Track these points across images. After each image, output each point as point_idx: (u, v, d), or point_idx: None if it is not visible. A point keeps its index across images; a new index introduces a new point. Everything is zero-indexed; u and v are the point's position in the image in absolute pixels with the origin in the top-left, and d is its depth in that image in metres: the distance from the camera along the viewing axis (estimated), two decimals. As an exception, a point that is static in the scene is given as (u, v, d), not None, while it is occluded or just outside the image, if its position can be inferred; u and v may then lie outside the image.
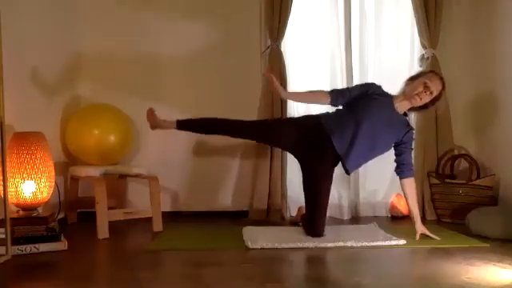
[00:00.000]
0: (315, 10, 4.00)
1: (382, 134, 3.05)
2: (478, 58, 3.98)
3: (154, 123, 3.35)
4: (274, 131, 3.25)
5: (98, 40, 4.00)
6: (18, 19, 3.06)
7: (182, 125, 3.25)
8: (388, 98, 3.12)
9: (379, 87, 3.16)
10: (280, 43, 3.85)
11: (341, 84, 3.90)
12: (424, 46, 3.89)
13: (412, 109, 3.16)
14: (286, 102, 3.85)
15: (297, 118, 3.37)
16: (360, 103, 3.10)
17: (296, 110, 3.97)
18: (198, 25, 4.01)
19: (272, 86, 3.15)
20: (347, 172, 3.13)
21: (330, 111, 3.26)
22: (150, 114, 3.33)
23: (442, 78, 3.13)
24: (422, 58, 3.91)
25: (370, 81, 3.60)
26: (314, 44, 4.00)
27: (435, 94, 3.06)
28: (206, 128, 3.27)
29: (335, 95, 3.16)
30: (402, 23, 4.03)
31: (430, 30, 3.84)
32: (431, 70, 3.36)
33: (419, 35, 3.90)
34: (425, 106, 3.13)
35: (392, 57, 3.99)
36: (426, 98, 3.06)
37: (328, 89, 3.31)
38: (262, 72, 3.70)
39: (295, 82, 3.99)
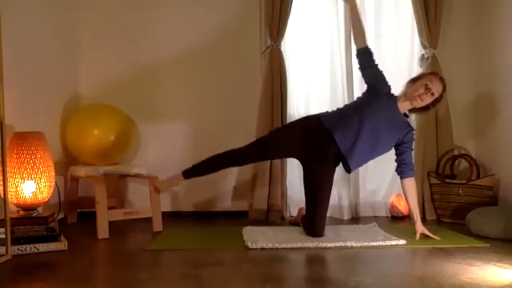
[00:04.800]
0: (315, 10, 4.00)
1: (385, 133, 3.06)
2: (478, 58, 3.98)
3: (164, 189, 3.39)
4: (273, 147, 3.21)
5: (98, 40, 4.00)
6: (18, 19, 3.06)
7: (189, 174, 3.28)
8: (392, 98, 3.13)
9: (391, 88, 3.17)
10: (280, 43, 3.85)
11: (341, 84, 3.91)
12: (424, 46, 3.89)
13: (413, 110, 3.17)
14: (285, 103, 3.85)
15: (295, 123, 3.29)
16: (366, 101, 3.11)
17: (296, 109, 3.98)
18: (198, 24, 4.01)
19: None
20: (349, 170, 3.13)
21: (330, 110, 3.26)
22: (157, 188, 3.37)
23: (442, 80, 3.13)
24: (422, 58, 3.91)
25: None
26: (313, 44, 4.00)
27: (436, 95, 3.07)
28: (211, 167, 3.29)
29: (369, 51, 3.17)
30: (402, 23, 4.03)
31: (430, 30, 3.84)
32: (432, 72, 3.36)
33: (419, 35, 3.90)
34: (426, 108, 3.13)
35: (392, 57, 3.99)
36: (427, 100, 3.07)
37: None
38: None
39: (295, 82, 4.00)
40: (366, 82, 3.20)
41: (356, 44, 3.26)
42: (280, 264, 2.60)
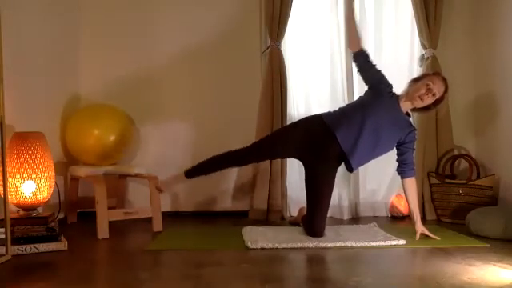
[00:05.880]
0: (315, 10, 4.00)
1: (387, 132, 3.05)
2: (477, 58, 3.98)
3: (167, 188, 3.31)
4: (276, 147, 3.20)
5: (98, 40, 4.00)
6: (18, 19, 3.06)
7: (190, 174, 3.23)
8: (394, 97, 3.13)
9: (392, 87, 3.17)
10: (280, 43, 3.85)
11: (341, 84, 3.91)
12: (424, 46, 3.89)
13: (414, 110, 3.16)
14: (285, 103, 3.85)
15: (297, 123, 3.26)
16: (368, 100, 3.11)
17: (296, 109, 3.98)
18: (198, 25, 4.01)
19: None
20: (351, 169, 3.13)
21: (331, 110, 3.25)
22: (160, 189, 3.33)
23: (445, 80, 3.12)
24: (422, 58, 3.91)
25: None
26: (313, 44, 4.00)
27: (438, 96, 3.07)
28: (213, 167, 3.25)
29: (364, 53, 3.15)
30: (402, 23, 4.03)
31: (430, 30, 3.84)
32: (434, 72, 3.36)
33: (419, 35, 3.90)
34: (427, 108, 3.13)
35: (392, 57, 3.99)
36: (428, 100, 3.06)
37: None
38: None
39: (295, 82, 4.00)
40: (367, 84, 3.18)
41: (351, 48, 3.23)
42: (280, 264, 2.60)
